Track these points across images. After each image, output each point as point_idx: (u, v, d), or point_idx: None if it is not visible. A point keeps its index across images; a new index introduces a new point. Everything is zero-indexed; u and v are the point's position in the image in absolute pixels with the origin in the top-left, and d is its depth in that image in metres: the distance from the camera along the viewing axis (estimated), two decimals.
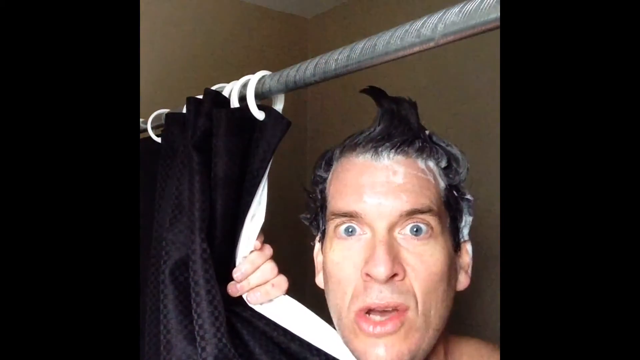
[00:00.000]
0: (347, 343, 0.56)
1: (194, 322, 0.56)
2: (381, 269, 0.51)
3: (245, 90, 0.64)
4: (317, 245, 0.65)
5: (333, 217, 0.57)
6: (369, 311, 0.54)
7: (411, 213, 0.54)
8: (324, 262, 0.60)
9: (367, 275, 0.53)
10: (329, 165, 0.62)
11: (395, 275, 0.52)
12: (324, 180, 0.62)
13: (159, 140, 0.83)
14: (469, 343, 0.64)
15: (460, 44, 0.48)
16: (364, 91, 0.61)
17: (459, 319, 0.60)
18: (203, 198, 0.58)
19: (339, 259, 0.56)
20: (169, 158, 0.72)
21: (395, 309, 0.53)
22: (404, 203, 0.54)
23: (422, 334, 0.53)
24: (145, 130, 0.87)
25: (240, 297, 0.62)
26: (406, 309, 0.53)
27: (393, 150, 0.57)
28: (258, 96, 0.64)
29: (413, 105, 0.61)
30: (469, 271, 0.61)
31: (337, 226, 0.57)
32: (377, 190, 0.55)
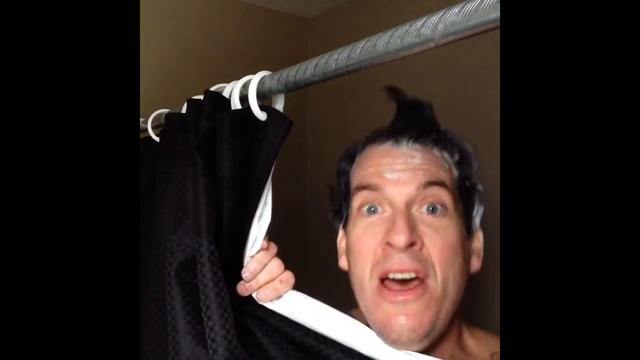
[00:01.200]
0: (368, 315, 0.59)
1: (205, 324, 0.56)
2: (401, 237, 0.55)
3: (246, 90, 0.64)
4: (341, 232, 0.69)
5: (356, 192, 0.62)
6: (390, 279, 0.57)
7: (427, 185, 0.58)
8: (347, 240, 0.64)
9: (388, 243, 0.57)
10: (352, 158, 0.67)
11: (413, 244, 0.56)
12: (347, 172, 0.67)
13: (159, 140, 0.83)
14: (480, 331, 0.68)
15: (460, 44, 0.48)
16: (384, 90, 0.66)
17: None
18: (209, 201, 0.59)
19: (361, 234, 0.60)
20: (170, 159, 0.72)
21: (415, 277, 0.56)
22: (421, 177, 0.58)
23: (441, 304, 0.57)
24: (146, 130, 0.87)
25: (250, 296, 0.62)
26: (425, 277, 0.56)
27: (412, 140, 0.61)
28: (258, 96, 0.64)
29: (429, 105, 0.66)
30: (481, 256, 0.65)
31: (360, 206, 0.61)
32: (397, 168, 0.59)
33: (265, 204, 0.63)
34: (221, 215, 0.60)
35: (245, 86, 0.64)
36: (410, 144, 0.61)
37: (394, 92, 0.65)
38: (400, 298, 0.56)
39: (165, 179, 0.72)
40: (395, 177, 0.58)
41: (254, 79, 0.64)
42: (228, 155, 0.60)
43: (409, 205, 0.58)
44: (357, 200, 0.61)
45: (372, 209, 0.60)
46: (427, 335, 0.56)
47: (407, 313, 0.55)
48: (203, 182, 0.59)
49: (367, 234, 0.59)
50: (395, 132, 0.62)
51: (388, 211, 0.59)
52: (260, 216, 0.63)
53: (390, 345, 0.57)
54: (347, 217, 0.65)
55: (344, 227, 0.67)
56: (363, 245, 0.60)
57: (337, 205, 0.68)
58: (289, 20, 1.66)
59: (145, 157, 0.83)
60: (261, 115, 0.63)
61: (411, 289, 0.56)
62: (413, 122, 0.63)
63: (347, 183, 0.66)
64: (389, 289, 0.57)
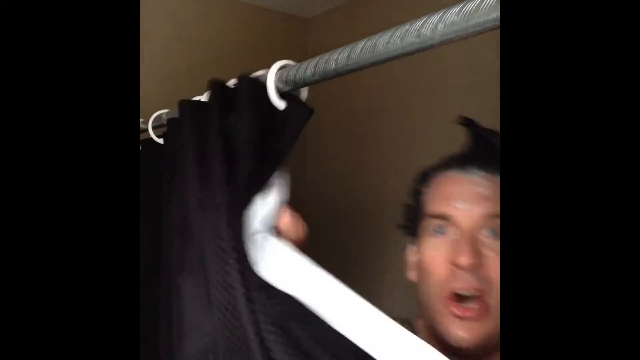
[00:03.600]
0: (435, 325, 0.69)
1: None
2: (467, 260, 0.65)
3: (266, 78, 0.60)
4: (412, 247, 0.78)
5: (429, 218, 0.72)
6: (457, 298, 0.66)
7: (492, 216, 0.67)
8: (419, 258, 0.73)
9: (455, 264, 0.66)
10: (425, 179, 0.76)
11: (477, 265, 0.65)
12: (421, 192, 0.76)
13: (160, 141, 0.83)
14: None
15: (460, 44, 0.48)
16: (457, 123, 0.76)
17: None
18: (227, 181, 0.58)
19: (432, 253, 0.70)
20: (174, 161, 0.72)
21: (479, 294, 0.65)
22: (487, 208, 0.67)
23: (497, 319, 0.65)
24: (146, 130, 0.87)
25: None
26: (487, 295, 0.65)
27: (478, 168, 0.70)
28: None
29: (498, 134, 0.72)
30: None
31: (431, 227, 0.71)
32: (465, 198, 0.69)
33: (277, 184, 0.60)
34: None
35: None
36: (477, 172, 0.70)
37: (467, 123, 0.75)
38: (465, 315, 0.65)
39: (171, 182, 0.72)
40: (464, 207, 0.68)
41: (273, 68, 0.59)
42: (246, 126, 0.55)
43: (474, 230, 0.67)
44: (429, 224, 0.71)
45: (442, 230, 0.69)
46: (484, 348, 0.65)
47: (468, 331, 0.65)
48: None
49: (437, 255, 0.69)
50: (465, 160, 0.72)
51: (456, 234, 0.68)
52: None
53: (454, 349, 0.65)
54: (417, 234, 0.74)
55: (415, 243, 0.75)
56: (433, 265, 0.69)
57: (410, 222, 0.77)
58: (289, 20, 1.66)
59: (148, 158, 0.83)
60: (280, 104, 0.59)
61: (474, 308, 0.65)
62: (482, 152, 0.72)
63: (420, 202, 0.75)
64: (457, 305, 0.66)
